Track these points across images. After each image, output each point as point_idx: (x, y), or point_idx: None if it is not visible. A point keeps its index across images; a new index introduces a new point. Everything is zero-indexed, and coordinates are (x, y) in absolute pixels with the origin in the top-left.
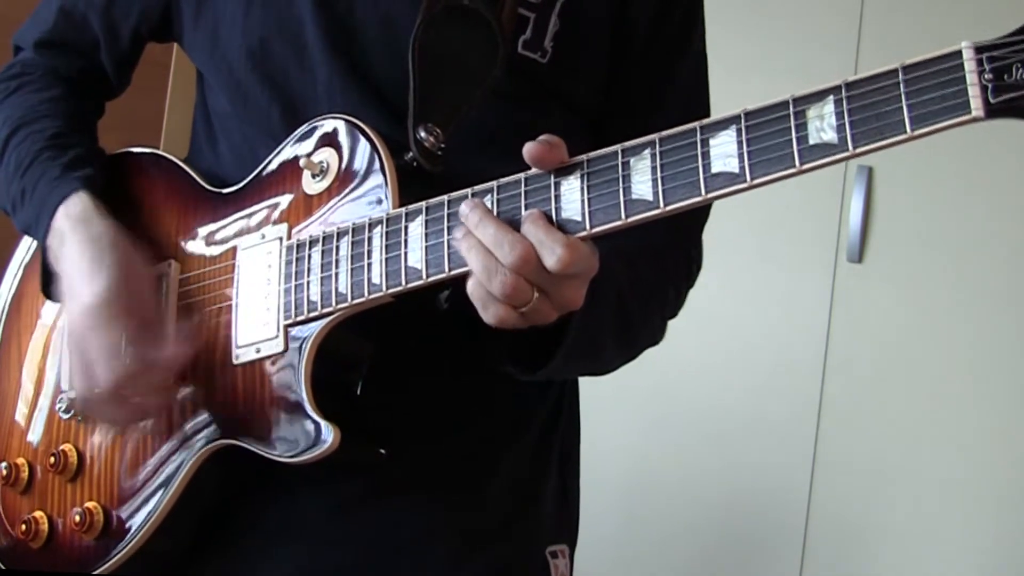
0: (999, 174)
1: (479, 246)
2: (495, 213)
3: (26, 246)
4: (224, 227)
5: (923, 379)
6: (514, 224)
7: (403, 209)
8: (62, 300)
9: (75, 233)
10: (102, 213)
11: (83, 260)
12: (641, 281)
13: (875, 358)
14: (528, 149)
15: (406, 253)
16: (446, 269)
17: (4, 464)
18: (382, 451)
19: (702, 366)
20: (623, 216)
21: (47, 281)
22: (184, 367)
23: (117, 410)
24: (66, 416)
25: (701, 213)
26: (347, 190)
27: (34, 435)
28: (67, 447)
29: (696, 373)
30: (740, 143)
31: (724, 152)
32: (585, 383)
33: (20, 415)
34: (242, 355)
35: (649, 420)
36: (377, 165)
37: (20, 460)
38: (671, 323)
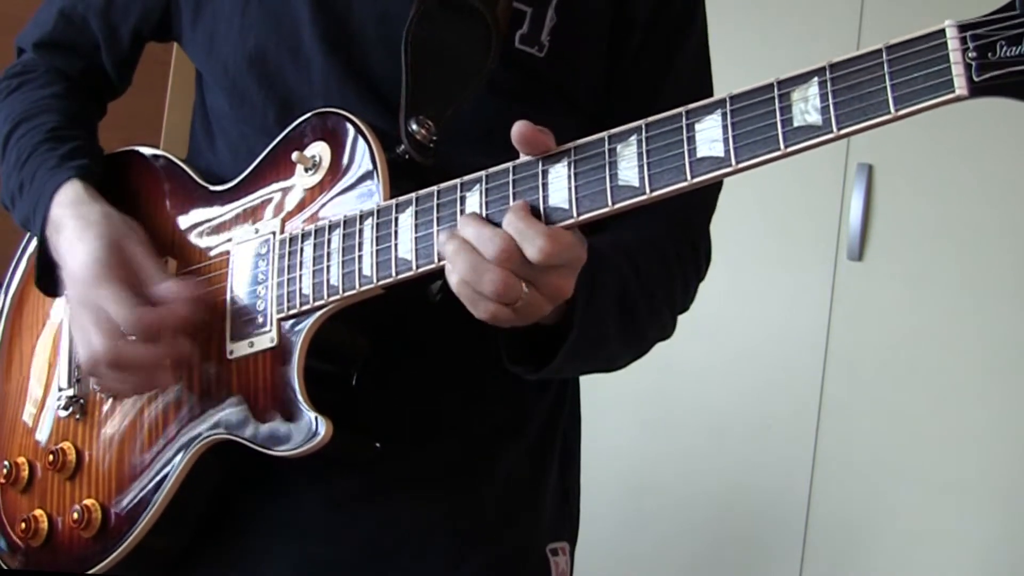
0: (999, 171)
1: (464, 245)
2: (483, 203)
3: (30, 245)
4: (218, 223)
5: (924, 377)
6: (500, 219)
7: (393, 201)
8: (61, 284)
9: (70, 218)
10: (94, 197)
11: (77, 237)
12: (646, 275)
13: (875, 356)
14: (517, 129)
15: (396, 244)
16: (435, 260)
17: (5, 463)
18: (377, 445)
19: (702, 364)
20: (609, 202)
21: (42, 274)
22: (182, 326)
23: (118, 376)
24: (65, 414)
25: (707, 205)
26: (339, 183)
27: (34, 434)
28: (66, 445)
29: (696, 371)
30: (725, 127)
31: (709, 136)
32: (585, 381)
33: (20, 414)
34: (236, 350)
35: (649, 418)
36: (369, 158)
37: (20, 459)
38: None
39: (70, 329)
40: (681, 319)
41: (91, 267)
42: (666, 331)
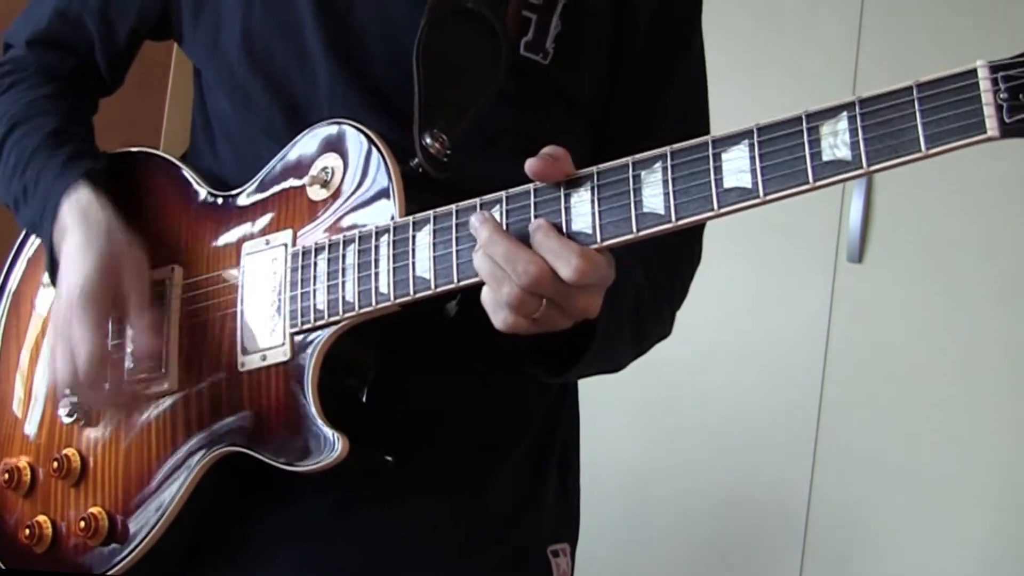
0: (999, 175)
1: (487, 256)
2: (504, 225)
3: (25, 245)
4: (228, 232)
5: (923, 379)
6: (523, 236)
7: (410, 218)
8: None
9: (74, 225)
10: (103, 204)
11: (75, 250)
12: (655, 280)
13: (875, 358)
14: (531, 166)
15: (414, 263)
16: (455, 280)
17: (6, 467)
18: (388, 459)
19: (703, 365)
20: (634, 230)
21: (53, 274)
22: (160, 360)
23: (97, 395)
24: (68, 420)
25: None
26: (352, 197)
27: (36, 438)
28: (70, 452)
29: (697, 372)
30: (753, 158)
31: (737, 167)
32: (585, 381)
33: (22, 418)
34: (248, 363)
35: (650, 419)
36: (383, 172)
37: (22, 463)
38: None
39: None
40: (683, 319)
41: (76, 289)
42: (666, 331)
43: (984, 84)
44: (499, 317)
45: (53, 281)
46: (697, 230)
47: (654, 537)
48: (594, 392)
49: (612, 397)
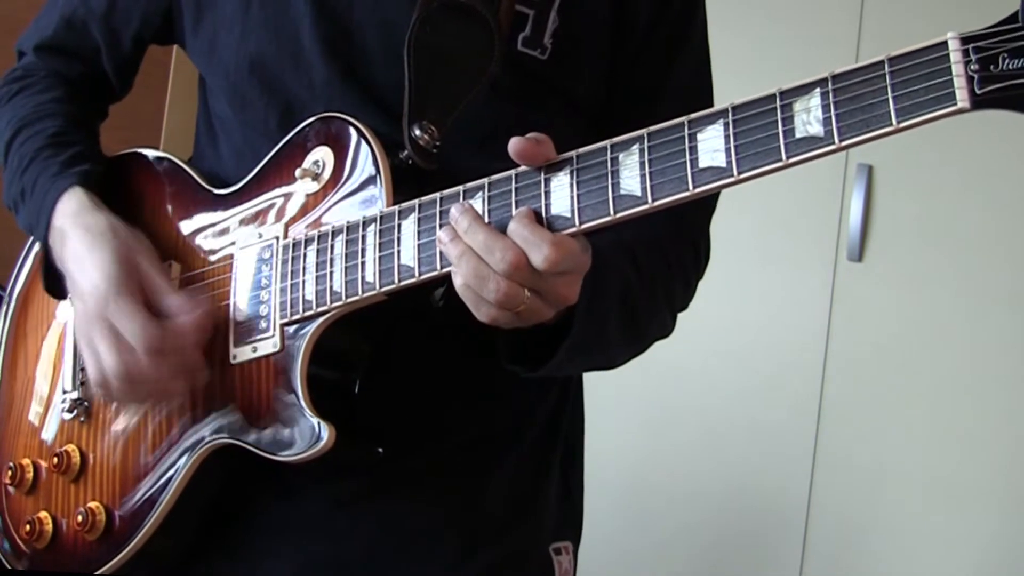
0: (999, 173)
1: (469, 252)
2: (486, 211)
3: (34, 248)
4: (222, 227)
5: (923, 378)
6: (503, 224)
7: (396, 207)
8: (70, 295)
9: (74, 228)
10: (98, 205)
11: (85, 250)
12: (647, 274)
13: (875, 357)
14: (514, 145)
15: (399, 251)
16: (438, 267)
17: (9, 464)
18: (380, 450)
19: (703, 365)
20: (612, 212)
21: (49, 279)
22: (206, 330)
23: (128, 390)
24: (69, 416)
25: (707, 204)
26: (342, 189)
27: (38, 436)
28: (70, 447)
29: (697, 371)
30: (727, 137)
31: (711, 147)
32: (587, 381)
33: (25, 416)
34: (239, 354)
35: (650, 418)
36: (372, 163)
37: (25, 461)
38: None
39: (76, 342)
40: (682, 319)
41: (102, 283)
42: (666, 329)
43: (955, 56)
44: (482, 312)
45: (47, 283)
46: (700, 226)
47: (654, 540)
48: (596, 391)
49: (613, 395)
